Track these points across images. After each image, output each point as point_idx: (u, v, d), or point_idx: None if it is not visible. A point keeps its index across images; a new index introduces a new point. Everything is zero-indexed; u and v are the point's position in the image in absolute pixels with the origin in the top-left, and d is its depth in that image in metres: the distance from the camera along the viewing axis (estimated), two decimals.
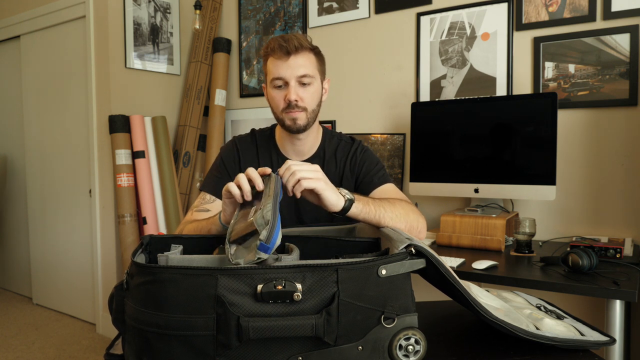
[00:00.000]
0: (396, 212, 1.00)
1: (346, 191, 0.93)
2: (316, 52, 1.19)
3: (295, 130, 1.18)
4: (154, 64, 2.85)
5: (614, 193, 1.90)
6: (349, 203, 0.92)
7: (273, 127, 1.32)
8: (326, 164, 1.26)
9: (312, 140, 1.26)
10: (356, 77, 2.53)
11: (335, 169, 1.26)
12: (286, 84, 1.15)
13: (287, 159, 1.26)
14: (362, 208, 0.94)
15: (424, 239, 1.09)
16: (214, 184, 1.24)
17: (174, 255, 0.81)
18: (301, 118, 1.16)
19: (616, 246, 1.60)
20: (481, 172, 1.92)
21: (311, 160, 1.27)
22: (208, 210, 1.18)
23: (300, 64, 1.14)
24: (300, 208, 1.23)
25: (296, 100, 1.14)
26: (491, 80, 2.14)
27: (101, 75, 2.70)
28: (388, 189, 1.21)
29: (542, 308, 0.98)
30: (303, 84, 1.15)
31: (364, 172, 1.25)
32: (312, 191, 0.89)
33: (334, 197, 0.89)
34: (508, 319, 0.80)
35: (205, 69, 2.94)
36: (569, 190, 1.98)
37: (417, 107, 2.09)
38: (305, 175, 0.87)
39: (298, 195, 0.88)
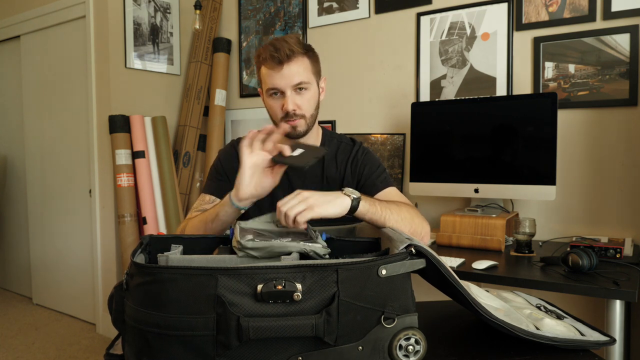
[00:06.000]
0: (402, 215, 1.01)
1: (351, 190, 0.94)
2: (309, 54, 1.17)
3: (295, 136, 1.18)
4: (154, 64, 2.85)
5: (614, 193, 1.90)
6: (356, 202, 0.92)
7: None
8: (326, 166, 1.25)
9: (311, 142, 1.25)
10: (356, 77, 2.53)
11: (336, 171, 1.25)
12: (282, 93, 1.14)
13: None
14: (369, 208, 0.95)
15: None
16: (215, 186, 1.24)
17: (174, 255, 0.81)
18: (301, 125, 1.17)
19: (616, 246, 1.60)
20: (481, 172, 1.92)
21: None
22: (207, 210, 1.19)
23: (295, 72, 1.12)
24: None
25: (294, 110, 1.14)
26: (491, 80, 2.14)
27: (101, 75, 2.70)
28: (391, 193, 1.21)
29: (542, 308, 0.98)
30: (300, 89, 1.15)
31: (365, 175, 1.24)
32: None
33: (335, 209, 0.90)
34: (508, 319, 0.80)
35: (205, 69, 2.94)
36: (569, 190, 1.98)
37: (417, 107, 2.09)
38: (297, 209, 0.86)
39: (304, 226, 0.88)
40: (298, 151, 0.96)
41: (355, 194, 0.93)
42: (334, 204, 0.90)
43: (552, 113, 1.76)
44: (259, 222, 0.92)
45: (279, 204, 0.89)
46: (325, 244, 0.83)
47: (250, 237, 0.81)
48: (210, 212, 1.08)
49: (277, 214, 0.89)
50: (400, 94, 2.39)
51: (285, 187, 1.16)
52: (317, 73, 1.21)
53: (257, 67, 1.19)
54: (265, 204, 1.08)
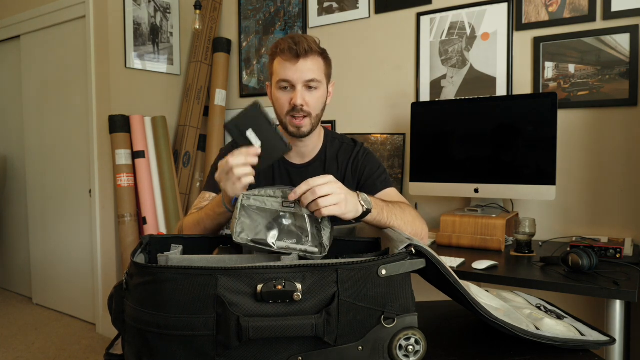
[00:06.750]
0: (405, 220, 1.02)
1: (365, 198, 0.93)
2: (324, 56, 1.19)
3: (298, 136, 1.18)
4: (154, 64, 2.85)
5: (614, 193, 1.90)
6: (366, 214, 0.92)
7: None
8: (327, 167, 1.26)
9: (314, 142, 1.26)
10: (356, 77, 2.53)
11: (337, 172, 1.26)
12: (293, 86, 1.14)
13: (288, 160, 1.26)
14: (375, 216, 0.95)
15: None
16: (215, 183, 1.24)
17: (174, 255, 0.81)
18: (305, 125, 1.16)
19: (616, 246, 1.60)
20: (481, 172, 1.92)
21: (312, 163, 1.27)
22: (202, 208, 1.19)
23: (309, 68, 1.13)
24: None
25: (302, 105, 1.13)
26: (491, 80, 2.14)
27: (101, 75, 2.70)
28: (390, 193, 1.22)
29: (542, 308, 0.98)
30: (310, 88, 1.15)
31: (365, 175, 1.25)
32: None
33: (350, 216, 0.88)
34: (508, 319, 0.80)
35: (205, 69, 2.94)
36: (569, 190, 1.98)
37: (417, 107, 2.09)
38: (328, 202, 0.82)
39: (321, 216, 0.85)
40: (251, 134, 0.91)
41: (368, 204, 0.92)
42: (353, 211, 0.88)
43: (552, 113, 1.76)
44: (264, 198, 0.85)
45: (312, 184, 0.83)
46: (330, 227, 0.84)
47: (248, 233, 0.82)
48: (206, 221, 1.08)
49: (304, 192, 0.83)
50: (400, 93, 2.39)
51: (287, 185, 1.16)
52: (328, 76, 1.21)
53: (271, 58, 1.18)
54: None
